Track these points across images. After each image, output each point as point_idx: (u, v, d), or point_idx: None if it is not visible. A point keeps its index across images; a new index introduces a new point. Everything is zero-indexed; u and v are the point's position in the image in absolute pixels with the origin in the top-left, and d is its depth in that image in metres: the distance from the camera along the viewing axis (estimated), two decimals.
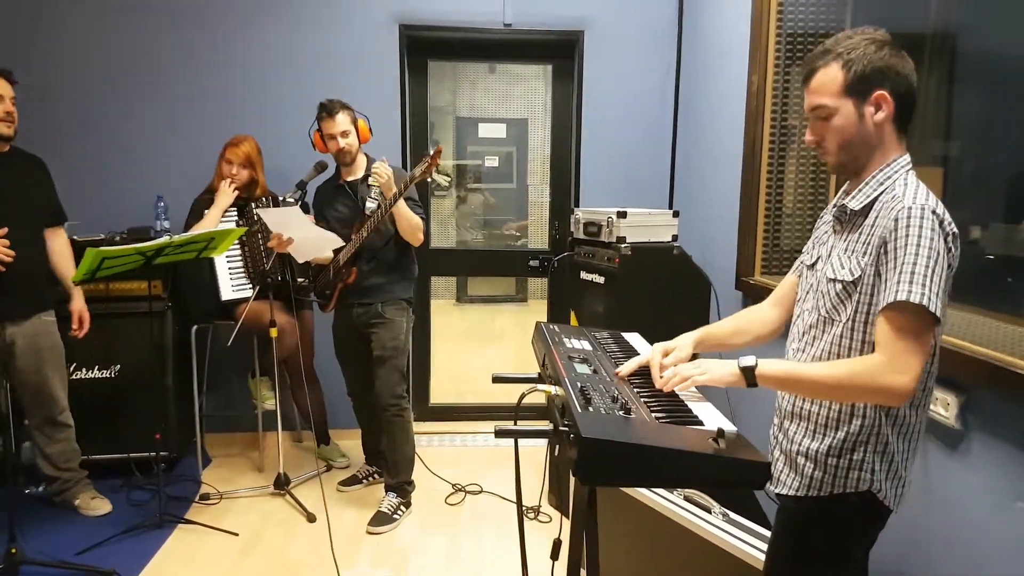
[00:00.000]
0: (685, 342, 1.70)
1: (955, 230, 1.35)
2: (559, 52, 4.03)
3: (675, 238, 3.17)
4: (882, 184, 1.41)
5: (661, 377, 1.54)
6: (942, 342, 1.71)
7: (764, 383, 1.44)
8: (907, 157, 1.44)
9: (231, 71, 3.75)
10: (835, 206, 1.53)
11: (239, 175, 3.44)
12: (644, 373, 1.70)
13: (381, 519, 3.12)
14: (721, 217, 3.18)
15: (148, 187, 3.69)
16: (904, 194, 1.35)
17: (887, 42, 1.40)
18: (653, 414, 1.40)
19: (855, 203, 1.44)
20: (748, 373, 1.42)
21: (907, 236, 1.31)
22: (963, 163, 2.29)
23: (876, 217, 1.39)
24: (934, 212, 1.31)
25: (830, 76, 1.41)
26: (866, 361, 1.34)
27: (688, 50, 3.80)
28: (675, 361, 1.61)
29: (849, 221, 1.47)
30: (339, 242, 3.07)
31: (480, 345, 6.00)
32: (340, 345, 3.36)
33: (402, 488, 3.25)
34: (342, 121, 3.04)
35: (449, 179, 4.84)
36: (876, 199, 1.41)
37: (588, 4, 3.84)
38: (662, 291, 3.02)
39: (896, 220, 1.33)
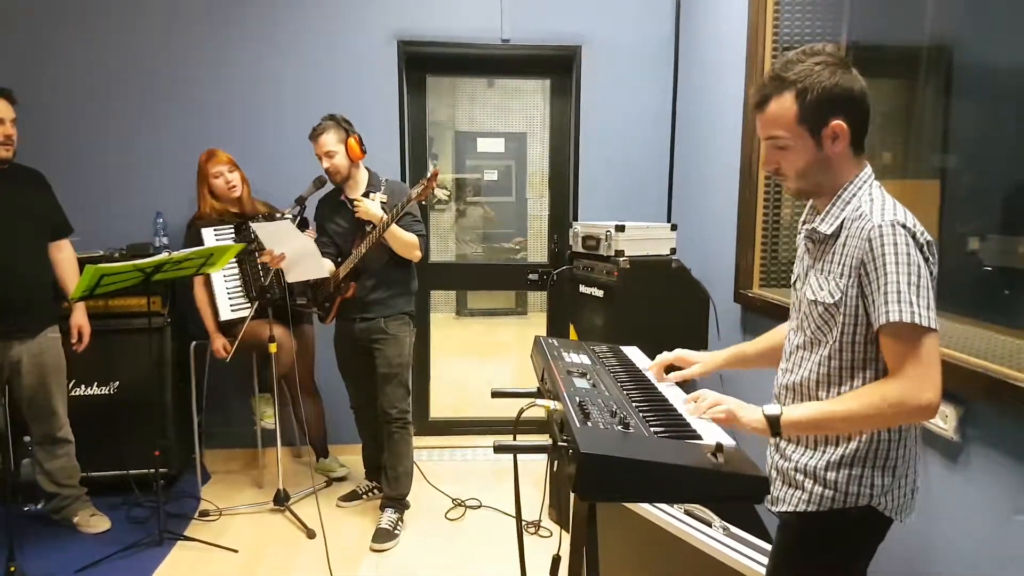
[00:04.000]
0: (709, 363, 1.73)
1: (928, 238, 1.35)
2: (557, 67, 4.06)
3: (673, 251, 3.18)
4: (848, 203, 1.42)
5: (696, 402, 1.51)
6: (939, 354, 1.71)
7: (792, 430, 1.40)
8: (868, 170, 1.44)
9: (231, 88, 3.77)
10: (805, 225, 1.53)
11: (233, 181, 3.45)
12: (643, 385, 1.70)
13: (383, 536, 3.10)
14: (719, 230, 3.19)
15: (147, 204, 3.70)
16: (872, 211, 1.36)
17: (837, 62, 1.38)
18: (652, 428, 1.39)
19: (826, 227, 1.44)
20: (773, 423, 1.38)
21: (884, 255, 1.32)
22: (960, 175, 2.30)
23: (847, 236, 1.39)
24: (904, 226, 1.32)
25: (784, 107, 1.39)
26: (885, 387, 1.33)
27: (685, 64, 3.82)
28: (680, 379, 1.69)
29: (822, 242, 1.47)
30: (326, 270, 3.09)
31: (480, 358, 6.00)
32: (343, 359, 3.37)
33: (401, 503, 3.25)
34: (326, 142, 3.06)
35: (448, 193, 4.86)
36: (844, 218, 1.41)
37: (585, 20, 3.87)
38: (661, 304, 3.02)
39: (870, 240, 1.33)
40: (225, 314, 3.38)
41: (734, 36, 3.04)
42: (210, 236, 3.37)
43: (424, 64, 4.02)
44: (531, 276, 4.18)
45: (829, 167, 1.42)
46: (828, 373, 1.44)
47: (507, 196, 4.93)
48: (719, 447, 1.28)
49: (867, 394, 1.36)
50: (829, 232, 1.43)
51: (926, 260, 1.33)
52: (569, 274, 3.32)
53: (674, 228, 3.20)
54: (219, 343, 3.41)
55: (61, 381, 3.06)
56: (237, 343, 3.29)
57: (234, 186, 3.46)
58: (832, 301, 1.41)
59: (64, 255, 3.08)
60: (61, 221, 3.09)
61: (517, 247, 5.01)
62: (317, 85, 3.79)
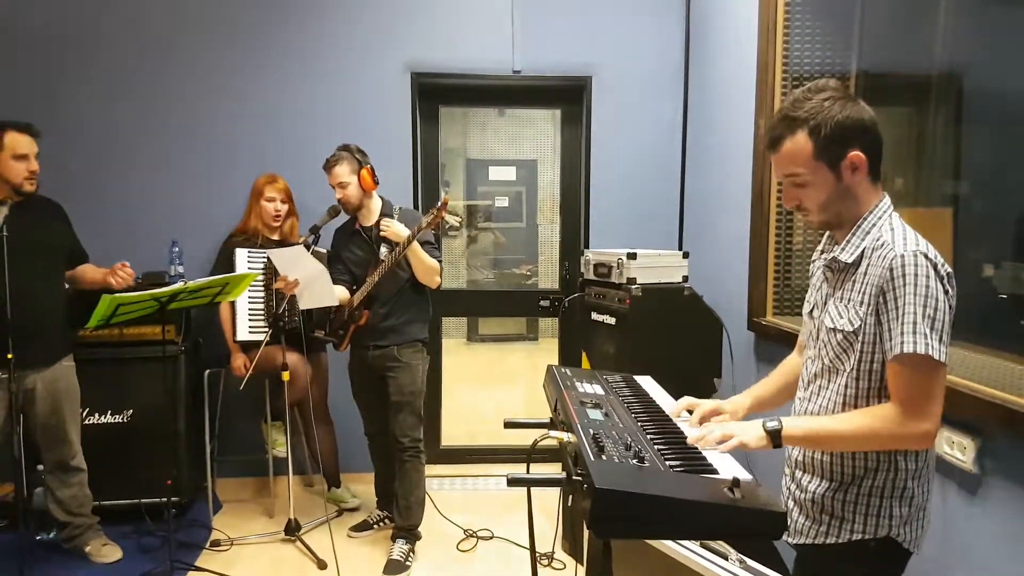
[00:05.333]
0: (740, 411, 1.71)
1: (948, 269, 1.36)
2: (567, 97, 4.10)
3: (685, 279, 3.17)
4: (868, 232, 1.43)
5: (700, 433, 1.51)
6: (954, 384, 1.71)
7: (790, 443, 1.44)
8: (886, 200, 1.46)
9: (247, 117, 3.83)
10: (823, 254, 1.54)
11: (282, 212, 3.53)
12: (657, 417, 1.69)
13: (395, 567, 3.08)
14: (731, 258, 3.19)
15: (162, 232, 3.74)
16: (893, 240, 1.37)
17: (844, 95, 1.41)
18: (667, 462, 1.38)
19: (847, 256, 1.45)
20: (774, 436, 1.42)
21: (904, 285, 1.33)
22: (973, 203, 2.30)
23: (868, 265, 1.40)
24: (926, 256, 1.33)
25: (798, 145, 1.41)
26: (886, 411, 1.35)
27: (695, 94, 3.85)
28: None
29: (842, 271, 1.48)
30: (336, 297, 3.11)
31: (491, 385, 5.97)
32: (357, 386, 3.37)
33: (412, 533, 3.22)
34: (339, 173, 3.10)
35: (460, 219, 4.88)
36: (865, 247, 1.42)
37: (595, 51, 3.92)
38: (673, 332, 3.01)
39: (891, 269, 1.34)
40: (242, 335, 3.41)
41: (744, 65, 3.06)
42: (243, 256, 3.42)
43: (437, 95, 4.07)
44: (542, 302, 4.19)
45: (849, 197, 1.44)
46: (845, 402, 1.44)
47: (518, 222, 4.94)
48: (736, 482, 1.26)
49: (867, 415, 1.38)
50: (850, 261, 1.44)
51: (946, 292, 1.34)
52: (581, 301, 3.32)
53: (686, 256, 3.20)
54: (240, 361, 3.43)
55: (75, 409, 3.08)
56: (251, 368, 3.31)
57: (279, 215, 3.52)
58: (851, 329, 1.41)
59: (82, 265, 3.13)
60: (78, 250, 3.13)
61: (528, 273, 5.02)
62: (333, 115, 3.84)
